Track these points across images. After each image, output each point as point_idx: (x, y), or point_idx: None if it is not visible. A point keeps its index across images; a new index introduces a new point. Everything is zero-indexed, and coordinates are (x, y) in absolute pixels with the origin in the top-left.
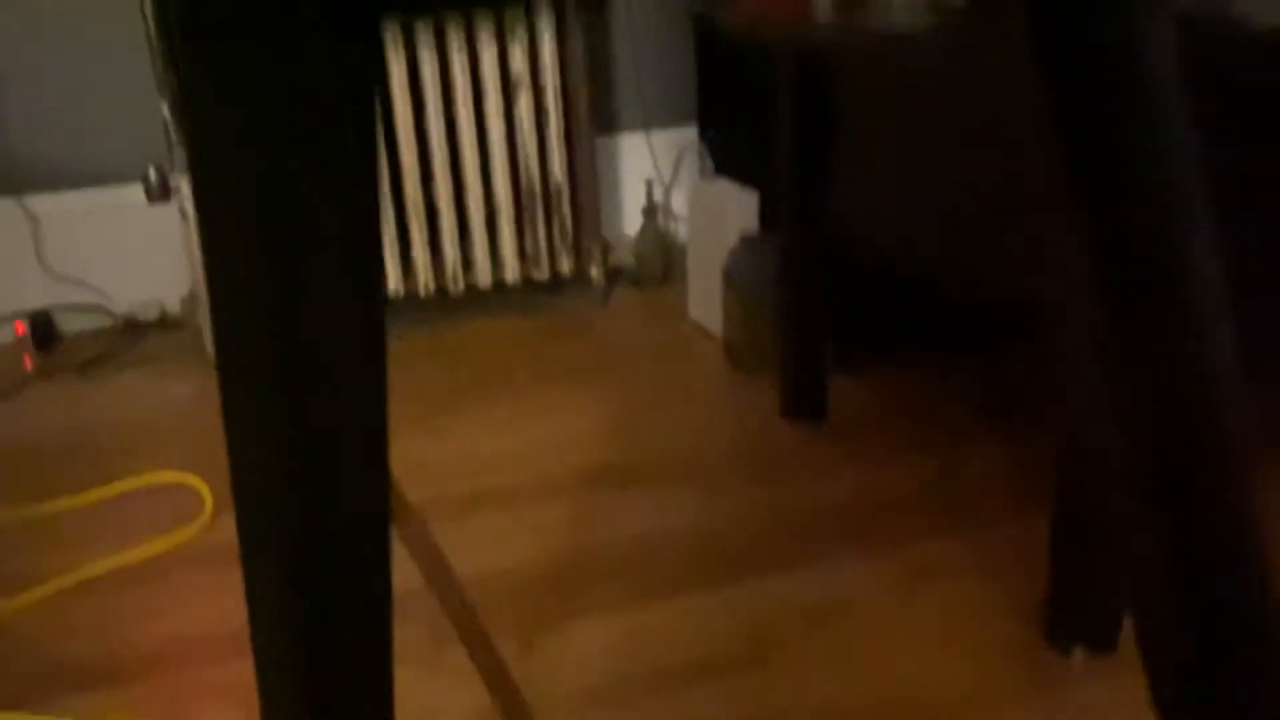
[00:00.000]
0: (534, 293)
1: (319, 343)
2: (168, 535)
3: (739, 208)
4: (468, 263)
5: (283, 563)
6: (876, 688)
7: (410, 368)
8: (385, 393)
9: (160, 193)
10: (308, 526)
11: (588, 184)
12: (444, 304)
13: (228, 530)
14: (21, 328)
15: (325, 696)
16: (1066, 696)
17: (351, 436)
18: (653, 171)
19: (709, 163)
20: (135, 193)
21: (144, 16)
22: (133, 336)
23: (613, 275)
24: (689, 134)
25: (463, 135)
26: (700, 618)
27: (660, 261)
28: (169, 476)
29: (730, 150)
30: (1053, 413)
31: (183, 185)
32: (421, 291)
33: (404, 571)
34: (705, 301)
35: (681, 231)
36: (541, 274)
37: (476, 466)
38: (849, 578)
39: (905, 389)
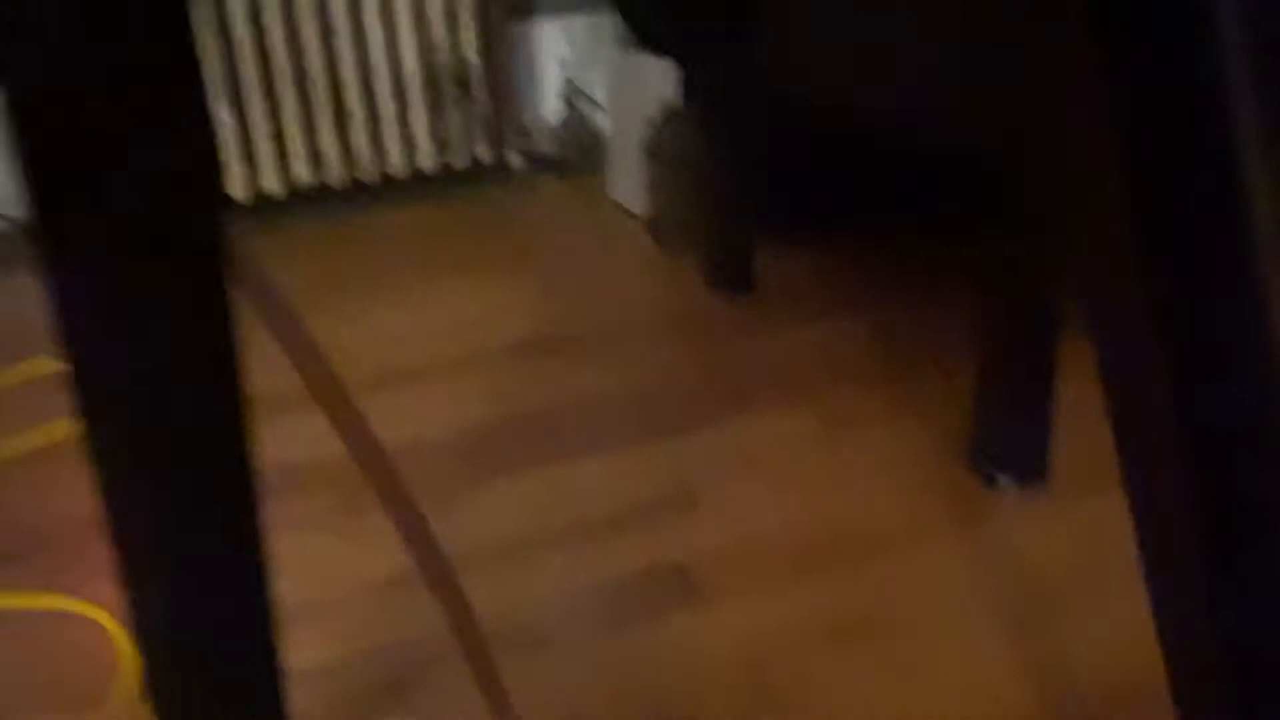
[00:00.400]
0: (452, 182)
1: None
2: (57, 423)
3: (659, 81)
4: (380, 151)
5: (128, 439)
6: (806, 523)
7: (324, 258)
8: (223, 245)
9: None
10: (150, 395)
11: (504, 69)
12: (358, 195)
13: None
14: None
15: (188, 573)
16: (995, 525)
17: (188, 294)
18: (571, 57)
19: (628, 41)
20: None
21: None
22: (33, 242)
23: (533, 163)
24: (607, 20)
25: (369, 14)
26: (631, 470)
27: (581, 148)
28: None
29: (649, 26)
30: (980, 269)
31: None
32: (334, 182)
33: (315, 440)
34: (628, 182)
35: (602, 119)
36: (459, 161)
37: (397, 346)
38: (778, 427)
39: (832, 256)
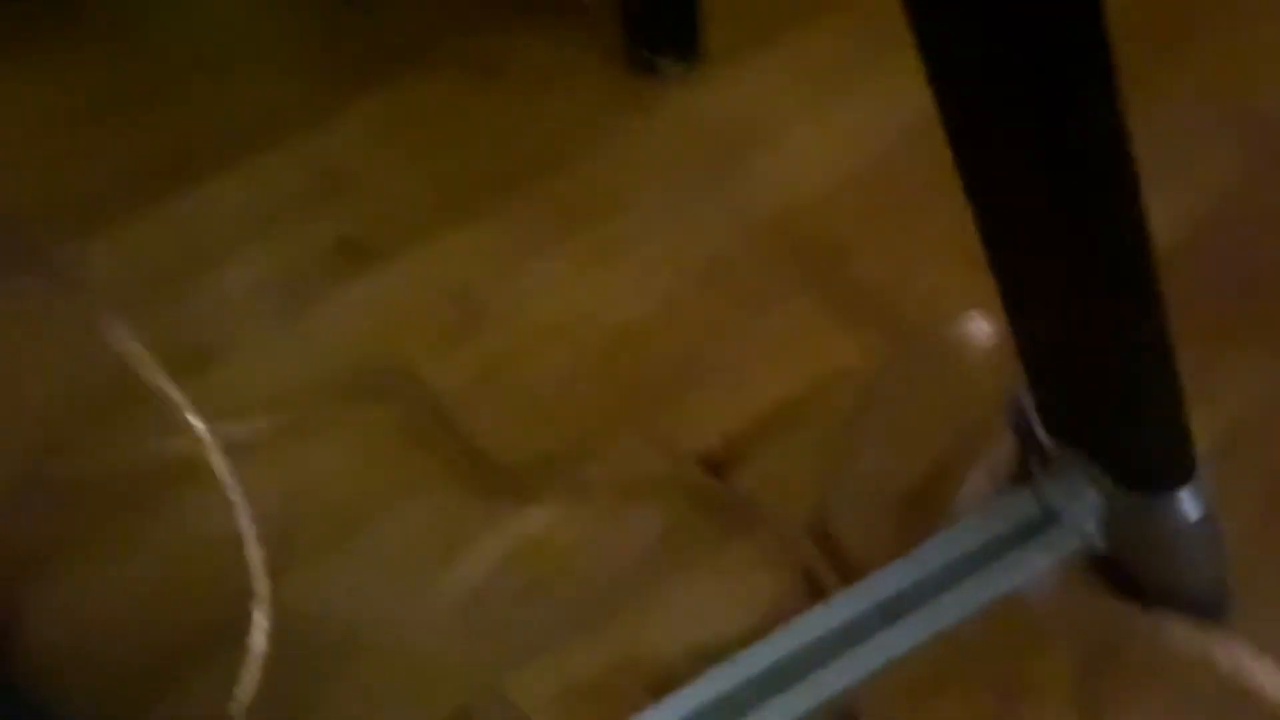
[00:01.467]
0: None
1: None
2: None
3: None
4: None
5: None
6: (475, 162)
7: None
8: None
9: None
10: None
11: None
12: None
13: None
14: None
15: None
16: (667, 105)
17: None
18: None
19: None
20: None
21: None
22: None
23: None
24: None
25: None
26: (269, 175)
27: None
28: None
29: None
30: None
31: None
32: None
33: None
34: None
35: None
36: None
37: None
38: (416, 94)
39: None
